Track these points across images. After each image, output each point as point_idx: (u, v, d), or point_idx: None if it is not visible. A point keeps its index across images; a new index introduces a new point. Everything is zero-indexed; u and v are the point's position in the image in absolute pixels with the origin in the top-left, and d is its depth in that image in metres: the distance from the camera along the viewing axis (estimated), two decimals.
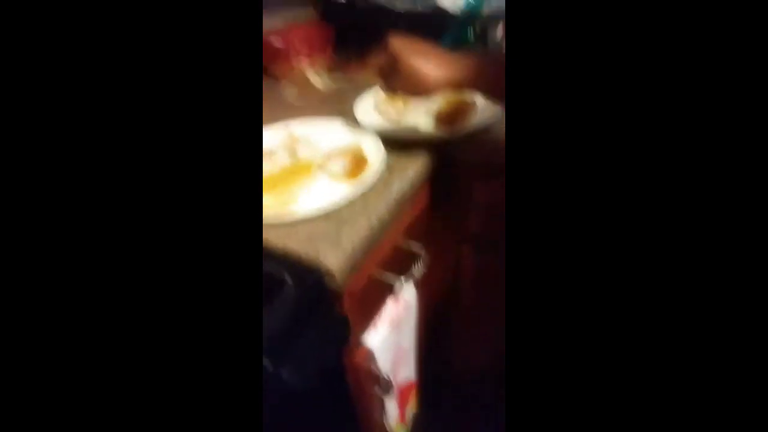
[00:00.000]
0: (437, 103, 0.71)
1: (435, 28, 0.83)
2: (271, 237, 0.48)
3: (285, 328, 0.39)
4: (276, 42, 0.88)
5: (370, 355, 0.59)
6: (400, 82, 0.51)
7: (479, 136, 0.65)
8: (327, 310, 0.46)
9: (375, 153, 0.59)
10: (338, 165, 0.57)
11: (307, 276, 0.43)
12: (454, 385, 0.91)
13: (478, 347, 0.86)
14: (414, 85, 0.51)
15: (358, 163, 0.58)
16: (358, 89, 0.78)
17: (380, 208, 0.53)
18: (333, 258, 0.45)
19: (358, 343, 0.58)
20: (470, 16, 0.80)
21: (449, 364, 0.90)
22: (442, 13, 0.80)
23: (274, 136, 0.65)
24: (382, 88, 0.56)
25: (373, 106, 0.73)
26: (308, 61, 0.89)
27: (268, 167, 0.58)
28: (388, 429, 0.71)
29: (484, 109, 0.68)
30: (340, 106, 0.75)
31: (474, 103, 0.69)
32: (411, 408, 0.76)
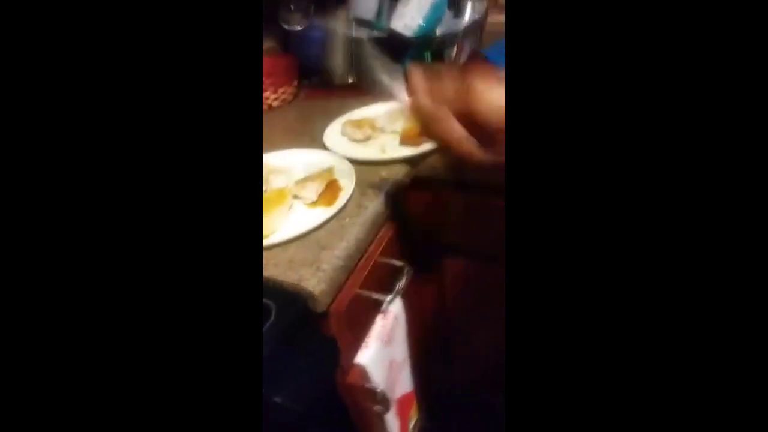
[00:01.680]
0: (403, 122, 0.74)
1: (394, 52, 0.87)
2: None
3: (274, 356, 0.41)
4: None
5: (363, 373, 0.60)
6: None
7: (446, 151, 0.68)
8: (313, 334, 0.48)
9: (347, 177, 0.62)
10: (311, 191, 0.59)
11: (291, 301, 0.45)
12: (454, 392, 0.92)
13: (473, 353, 0.88)
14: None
15: (331, 188, 0.61)
16: (325, 116, 0.81)
17: (357, 230, 0.55)
18: (314, 281, 0.47)
19: (351, 363, 0.59)
20: (425, 40, 0.84)
21: (447, 373, 0.91)
22: (398, 37, 0.84)
23: None
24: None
25: (340, 131, 0.76)
26: (272, 91, 0.92)
27: None
28: None
29: None
30: (308, 134, 0.78)
31: None
32: (413, 419, 0.77)
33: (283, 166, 0.67)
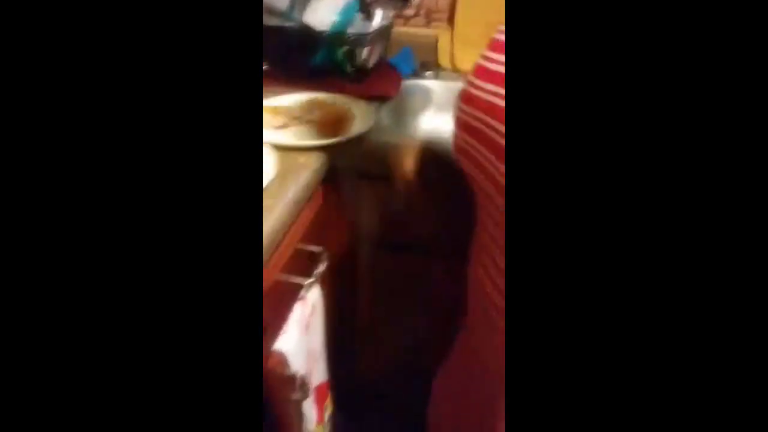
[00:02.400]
0: (316, 112, 0.75)
1: (303, 46, 0.88)
2: None
3: None
4: None
5: (283, 360, 0.59)
6: None
7: (358, 142, 0.71)
8: None
9: (267, 160, 0.61)
10: None
11: None
12: (364, 383, 0.95)
13: (381, 345, 0.92)
14: None
15: None
16: None
17: (279, 211, 0.55)
18: None
19: (269, 350, 0.58)
20: (337, 37, 0.87)
21: (358, 363, 0.94)
22: (309, 32, 0.85)
23: None
24: None
25: None
26: None
27: None
28: None
29: (361, 117, 0.75)
30: None
31: (351, 111, 0.76)
32: (327, 408, 0.78)
33: None
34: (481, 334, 0.52)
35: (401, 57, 1.07)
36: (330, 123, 0.72)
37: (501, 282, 0.44)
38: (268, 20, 0.86)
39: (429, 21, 1.10)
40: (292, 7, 0.86)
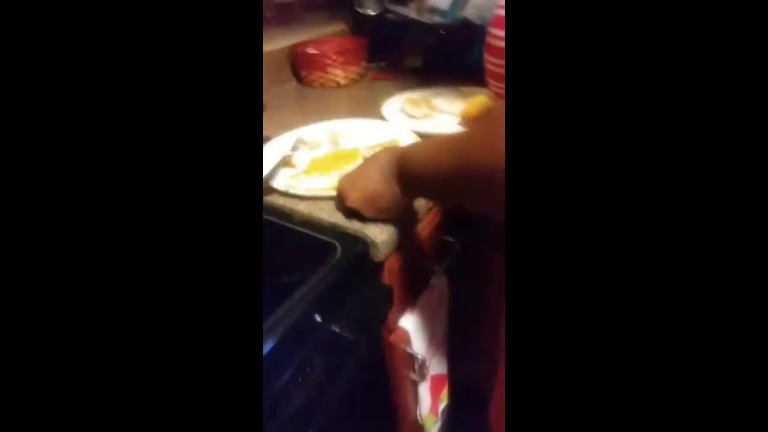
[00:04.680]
0: (459, 104, 0.76)
1: (463, 41, 0.89)
2: (319, 211, 0.52)
3: (335, 288, 0.43)
4: (311, 51, 0.96)
5: (406, 337, 0.61)
6: None
7: None
8: (371, 278, 0.49)
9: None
10: None
11: (355, 244, 0.47)
12: (481, 383, 0.91)
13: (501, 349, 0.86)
14: None
15: None
16: (388, 94, 0.85)
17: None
18: (377, 231, 0.49)
19: (395, 326, 0.60)
20: None
21: (476, 363, 0.90)
22: (469, 26, 0.86)
23: (317, 132, 0.71)
24: None
25: (400, 108, 0.79)
26: (342, 69, 0.96)
27: (314, 155, 0.65)
28: (419, 418, 0.71)
29: None
30: (371, 108, 0.81)
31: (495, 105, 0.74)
32: (443, 402, 0.77)
33: (351, 132, 0.70)
34: None
35: None
36: (473, 115, 0.72)
37: None
38: (429, 19, 0.90)
39: None
40: (454, 5, 0.88)
